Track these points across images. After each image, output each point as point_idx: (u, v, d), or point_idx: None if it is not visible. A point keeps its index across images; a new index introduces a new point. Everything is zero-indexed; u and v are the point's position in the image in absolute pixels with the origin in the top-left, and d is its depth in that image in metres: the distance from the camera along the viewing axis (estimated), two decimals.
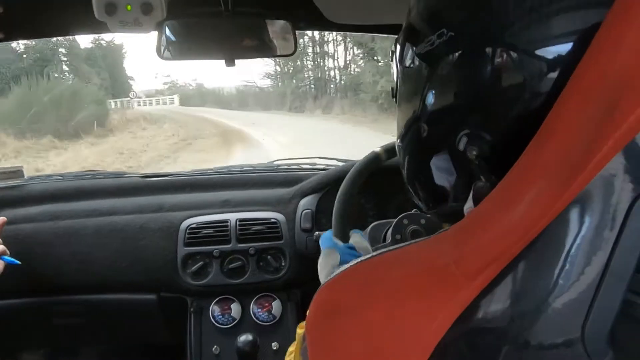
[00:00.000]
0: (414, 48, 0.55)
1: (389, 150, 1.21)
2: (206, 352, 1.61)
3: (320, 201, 1.66)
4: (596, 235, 0.41)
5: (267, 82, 33.96)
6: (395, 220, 1.27)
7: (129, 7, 0.84)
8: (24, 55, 25.64)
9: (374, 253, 0.54)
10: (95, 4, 0.83)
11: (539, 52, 0.45)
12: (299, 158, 2.08)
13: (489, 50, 0.47)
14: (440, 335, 0.45)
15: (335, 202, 1.24)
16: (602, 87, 0.39)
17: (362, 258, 0.54)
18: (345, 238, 1.14)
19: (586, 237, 0.41)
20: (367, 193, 1.57)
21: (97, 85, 26.19)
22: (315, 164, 2.03)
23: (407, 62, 0.57)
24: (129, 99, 29.04)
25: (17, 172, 1.79)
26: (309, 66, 29.57)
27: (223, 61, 1.28)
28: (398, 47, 0.60)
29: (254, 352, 1.49)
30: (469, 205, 0.51)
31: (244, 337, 1.48)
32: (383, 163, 1.22)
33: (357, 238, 1.09)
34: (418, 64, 0.55)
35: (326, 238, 1.10)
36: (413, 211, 1.27)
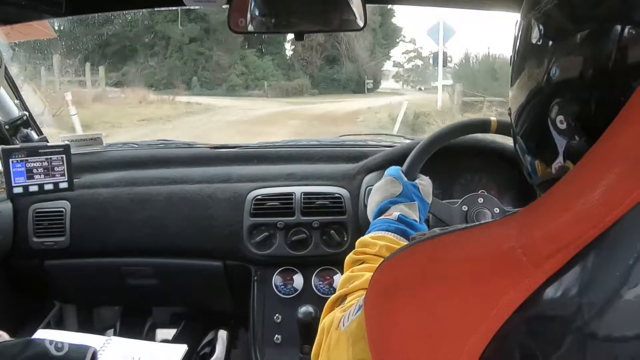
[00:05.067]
0: (541, 26, 0.53)
1: (503, 125, 1.19)
2: (268, 320, 1.66)
3: None
4: None
5: None
6: (464, 197, 1.24)
7: None
8: None
9: (438, 232, 0.53)
10: None
11: None
12: (365, 134, 2.07)
13: (617, 28, 0.45)
14: (501, 321, 0.44)
15: (424, 139, 1.23)
16: None
17: (426, 236, 0.53)
18: (412, 177, 1.14)
19: None
20: (433, 172, 1.55)
21: None
22: (381, 140, 2.01)
23: (534, 39, 0.55)
24: None
25: (96, 140, 1.89)
26: None
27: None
28: (522, 22, 0.58)
29: (313, 323, 1.52)
30: (558, 161, 0.49)
31: (305, 308, 1.50)
32: (490, 131, 1.21)
33: (424, 182, 1.13)
34: (543, 41, 0.53)
35: (394, 169, 1.12)
36: (483, 193, 1.24)
